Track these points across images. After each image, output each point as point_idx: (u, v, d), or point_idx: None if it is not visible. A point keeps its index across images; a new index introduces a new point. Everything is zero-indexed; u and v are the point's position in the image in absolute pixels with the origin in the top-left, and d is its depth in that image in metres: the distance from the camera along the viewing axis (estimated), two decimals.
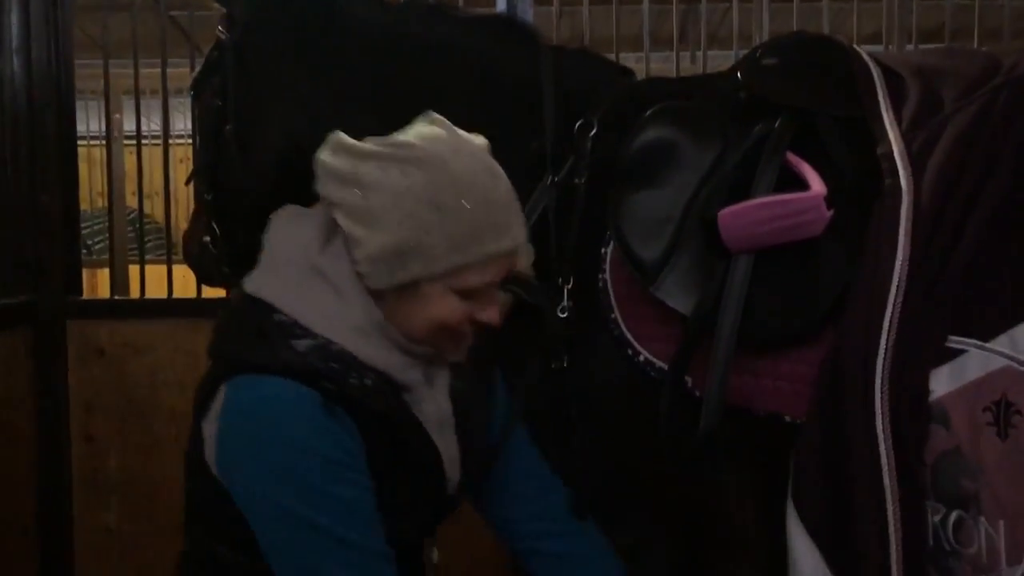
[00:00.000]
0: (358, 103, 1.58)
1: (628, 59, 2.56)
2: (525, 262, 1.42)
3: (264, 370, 1.09)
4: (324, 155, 1.16)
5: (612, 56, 2.52)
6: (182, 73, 2.90)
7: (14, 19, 2.36)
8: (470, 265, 1.12)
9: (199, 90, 1.73)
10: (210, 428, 1.12)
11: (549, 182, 1.43)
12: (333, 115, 1.56)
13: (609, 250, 1.38)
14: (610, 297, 1.36)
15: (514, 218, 1.17)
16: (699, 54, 2.72)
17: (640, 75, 1.93)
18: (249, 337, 1.12)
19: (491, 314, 1.17)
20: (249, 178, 1.64)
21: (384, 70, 1.58)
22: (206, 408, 1.13)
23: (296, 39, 1.62)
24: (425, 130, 1.17)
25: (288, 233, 1.20)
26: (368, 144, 1.15)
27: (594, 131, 1.42)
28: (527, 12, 2.41)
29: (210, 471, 1.13)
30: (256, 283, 1.16)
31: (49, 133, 2.42)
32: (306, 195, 1.71)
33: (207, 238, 1.72)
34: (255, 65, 1.63)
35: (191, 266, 1.84)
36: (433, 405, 1.21)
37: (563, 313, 1.37)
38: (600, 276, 1.38)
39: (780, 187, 1.26)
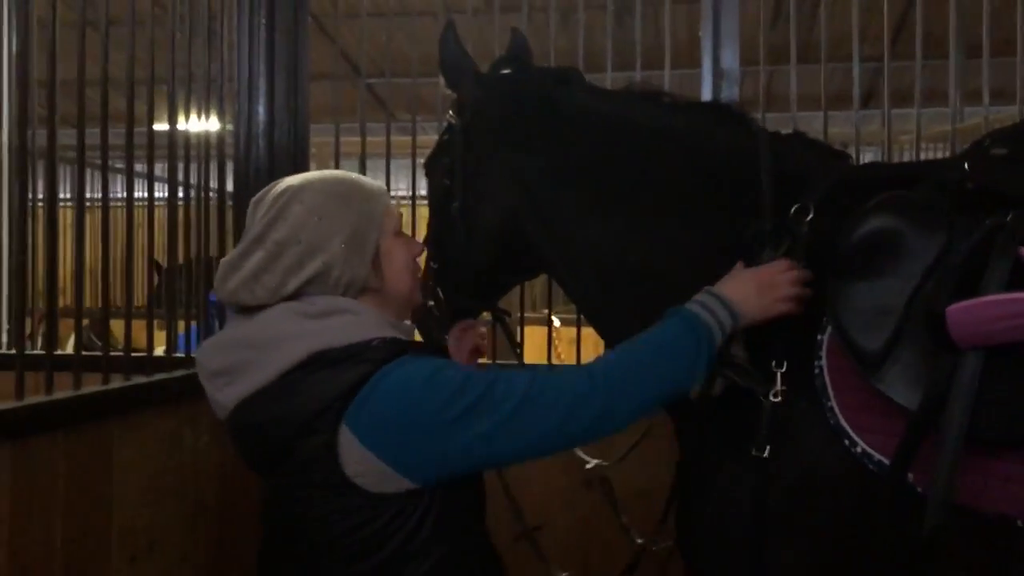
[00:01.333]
0: (574, 183, 1.70)
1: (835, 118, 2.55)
2: (739, 348, 1.46)
3: (372, 371, 1.31)
4: (230, 281, 1.41)
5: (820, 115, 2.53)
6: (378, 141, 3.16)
7: (261, 108, 2.71)
8: (387, 205, 1.49)
9: (430, 169, 1.91)
10: (353, 448, 1.30)
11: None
12: (550, 194, 1.72)
13: (826, 337, 1.40)
14: (826, 385, 1.37)
15: None
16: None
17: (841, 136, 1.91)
18: (341, 371, 1.31)
19: (417, 243, 1.56)
20: (473, 251, 1.78)
21: (600, 152, 1.68)
22: (333, 451, 1.30)
23: (518, 122, 1.75)
24: (271, 191, 1.47)
25: (268, 321, 1.39)
26: (244, 240, 1.44)
27: (810, 216, 1.45)
28: (733, 87, 2.47)
29: (358, 489, 1.31)
30: (286, 358, 1.34)
31: None
32: (522, 267, 1.88)
33: (431, 303, 1.88)
34: (480, 147, 1.78)
35: (416, 326, 1.99)
36: None
37: (776, 398, 1.40)
38: (816, 363, 1.40)
39: (1013, 283, 1.25)
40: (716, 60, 2.52)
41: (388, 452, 1.28)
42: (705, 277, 1.51)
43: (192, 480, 2.23)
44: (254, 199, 1.48)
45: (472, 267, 1.82)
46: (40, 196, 3.16)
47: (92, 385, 1.92)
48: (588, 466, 1.94)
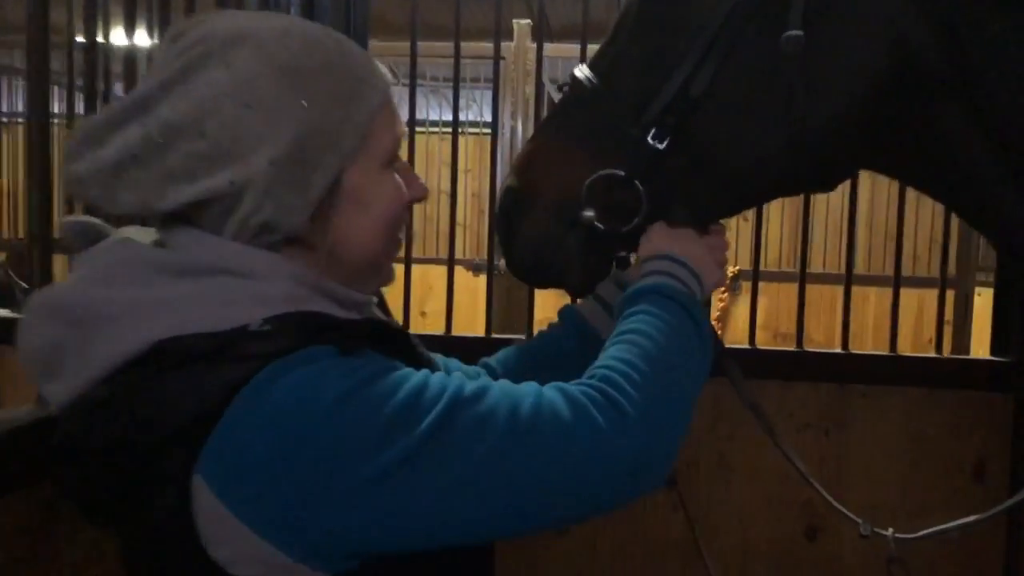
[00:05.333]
0: None
1: None
2: None
3: (244, 378, 0.83)
4: (83, 161, 0.89)
5: None
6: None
7: None
8: (375, 115, 0.93)
9: None
10: (216, 513, 0.83)
11: None
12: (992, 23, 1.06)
13: None
14: None
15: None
16: None
17: None
18: (197, 377, 0.84)
19: (421, 184, 1.02)
20: (810, 121, 1.09)
21: None
22: (186, 516, 0.83)
23: None
24: (193, 28, 0.92)
25: (105, 275, 0.90)
26: (123, 99, 0.94)
27: None
28: None
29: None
30: (117, 346, 0.85)
31: None
32: (862, 162, 1.24)
33: (589, 212, 1.13)
34: None
35: (529, 250, 1.18)
36: None
37: None
38: None
39: None
40: None
41: (268, 524, 0.82)
42: None
43: None
44: (169, 33, 0.94)
45: (784, 153, 1.12)
46: None
47: None
48: (864, 533, 1.28)
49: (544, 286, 1.27)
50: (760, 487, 1.91)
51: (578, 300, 1.29)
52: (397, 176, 0.97)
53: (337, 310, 0.93)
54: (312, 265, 0.93)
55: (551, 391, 0.89)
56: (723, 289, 3.76)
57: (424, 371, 0.89)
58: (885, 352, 1.98)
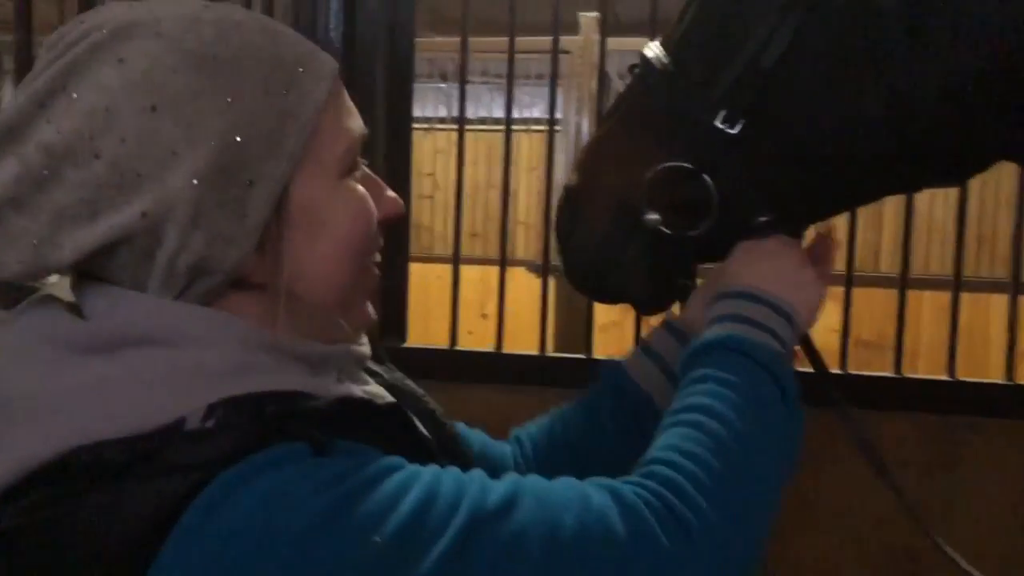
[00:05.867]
0: None
1: None
2: None
3: (182, 497, 0.63)
4: None
5: None
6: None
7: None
8: (322, 109, 0.74)
9: None
10: None
11: None
12: None
13: None
14: None
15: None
16: None
17: None
18: (122, 498, 0.63)
19: (392, 198, 0.82)
20: (932, 85, 0.90)
21: None
22: None
23: None
24: (88, 18, 0.73)
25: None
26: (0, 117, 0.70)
27: None
28: None
29: None
30: (9, 463, 0.64)
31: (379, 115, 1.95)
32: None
33: (653, 216, 0.97)
34: None
35: (585, 258, 1.04)
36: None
37: None
38: None
39: None
40: None
41: None
42: None
43: None
44: (46, 41, 0.74)
45: (883, 131, 0.93)
46: None
47: None
48: None
49: (605, 300, 1.11)
50: (849, 534, 1.69)
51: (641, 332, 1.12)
52: (361, 188, 0.79)
53: (306, 375, 0.73)
54: (264, 315, 0.73)
55: (600, 495, 0.71)
56: None
57: (431, 470, 0.70)
58: (999, 380, 1.73)
